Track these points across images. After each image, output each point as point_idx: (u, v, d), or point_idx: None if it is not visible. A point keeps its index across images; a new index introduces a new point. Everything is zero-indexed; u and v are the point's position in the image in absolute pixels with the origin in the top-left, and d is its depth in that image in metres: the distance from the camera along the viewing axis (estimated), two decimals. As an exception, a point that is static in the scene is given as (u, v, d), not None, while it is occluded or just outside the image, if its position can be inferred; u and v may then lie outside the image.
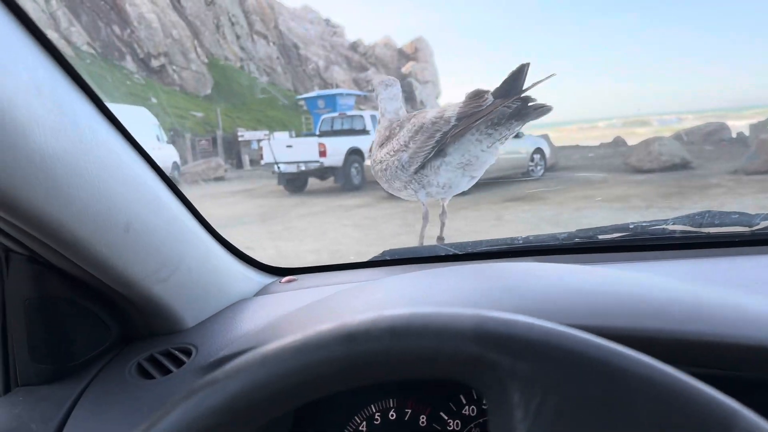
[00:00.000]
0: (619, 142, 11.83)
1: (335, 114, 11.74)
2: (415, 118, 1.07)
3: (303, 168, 9.26)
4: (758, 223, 0.88)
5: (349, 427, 0.69)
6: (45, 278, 0.71)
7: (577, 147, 11.63)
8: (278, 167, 9.51)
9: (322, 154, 9.03)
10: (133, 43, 31.08)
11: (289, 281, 0.99)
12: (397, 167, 1.06)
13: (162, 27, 31.96)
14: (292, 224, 6.16)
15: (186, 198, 0.79)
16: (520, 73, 0.91)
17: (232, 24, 40.33)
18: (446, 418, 0.67)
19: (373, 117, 10.65)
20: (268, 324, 0.75)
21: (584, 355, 0.31)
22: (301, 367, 0.33)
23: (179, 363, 0.75)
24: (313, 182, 11.07)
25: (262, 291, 0.95)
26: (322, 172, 9.56)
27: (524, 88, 0.92)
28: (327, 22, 57.00)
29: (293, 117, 35.61)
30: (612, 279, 0.64)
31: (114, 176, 0.63)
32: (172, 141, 15.37)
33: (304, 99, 22.48)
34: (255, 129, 26.82)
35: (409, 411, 0.68)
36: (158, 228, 0.71)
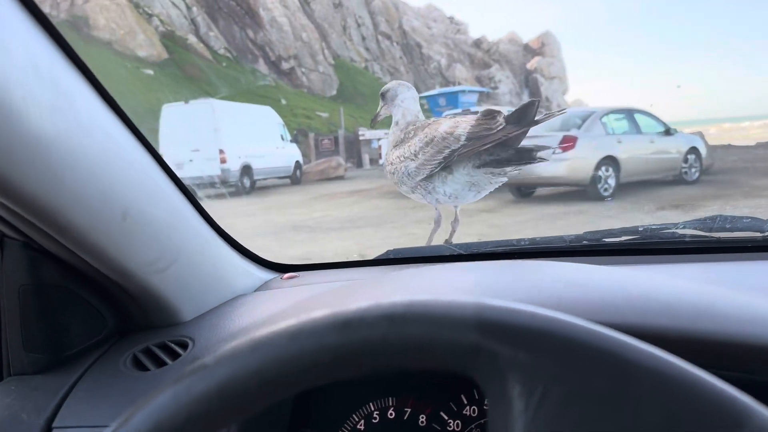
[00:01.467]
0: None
1: (458, 110, 11.01)
2: (429, 128, 1.08)
3: (423, 167, 8.68)
4: None
5: (346, 426, 0.67)
6: (40, 265, 0.69)
7: (729, 147, 10.50)
8: (397, 166, 9.01)
9: (443, 151, 8.37)
10: (266, 47, 32.73)
11: (291, 278, 0.97)
12: (403, 173, 1.09)
13: (292, 30, 33.33)
14: (409, 230, 5.57)
15: (188, 190, 0.77)
16: (531, 106, 0.94)
17: (359, 25, 41.18)
18: (446, 418, 0.66)
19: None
20: (267, 318, 0.74)
21: (590, 346, 0.30)
22: (294, 354, 0.32)
23: (175, 356, 0.73)
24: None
25: (263, 287, 0.94)
26: (443, 171, 8.93)
27: (536, 119, 0.95)
28: (450, 19, 56.59)
29: (414, 116, 35.51)
30: (621, 277, 0.64)
31: (112, 162, 0.61)
32: (297, 140, 15.64)
33: (425, 97, 22.03)
34: (376, 128, 26.96)
35: (409, 410, 0.67)
36: (157, 218, 0.70)
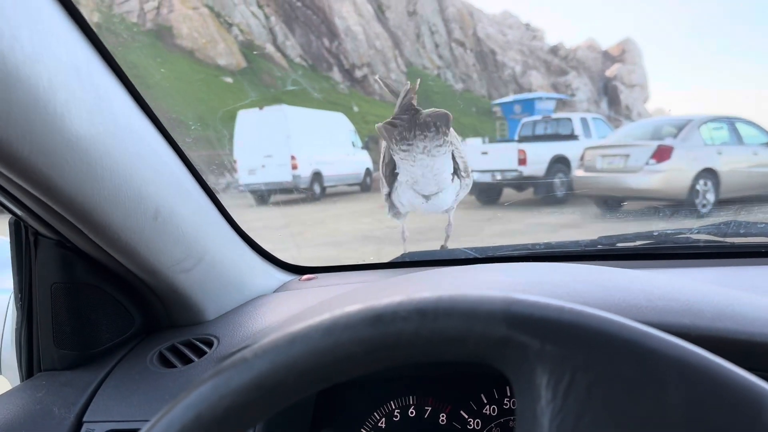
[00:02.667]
0: None
1: (538, 117, 10.45)
2: None
3: (498, 177, 8.15)
4: None
5: (367, 424, 0.68)
6: (72, 263, 0.71)
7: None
8: (471, 175, 8.57)
9: (522, 162, 7.82)
10: (340, 55, 33.21)
11: (309, 279, 0.98)
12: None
13: (366, 38, 33.63)
14: (486, 244, 5.18)
15: (212, 191, 0.78)
16: (405, 94, 0.97)
17: (432, 33, 41.02)
18: (466, 416, 0.66)
19: (583, 120, 9.16)
20: (289, 318, 0.75)
21: (615, 336, 0.31)
22: (329, 346, 0.33)
23: (200, 353, 0.75)
24: (508, 193, 9.98)
25: (282, 288, 0.95)
26: (520, 183, 8.37)
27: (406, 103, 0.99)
28: (527, 26, 55.42)
29: (486, 123, 34.91)
30: (642, 278, 0.64)
31: (146, 163, 0.63)
32: (368, 147, 15.55)
33: (500, 104, 21.42)
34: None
35: (429, 408, 0.67)
36: (185, 218, 0.71)
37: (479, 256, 1.00)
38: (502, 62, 44.89)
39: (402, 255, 1.07)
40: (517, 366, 0.32)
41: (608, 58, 51.88)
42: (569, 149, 8.41)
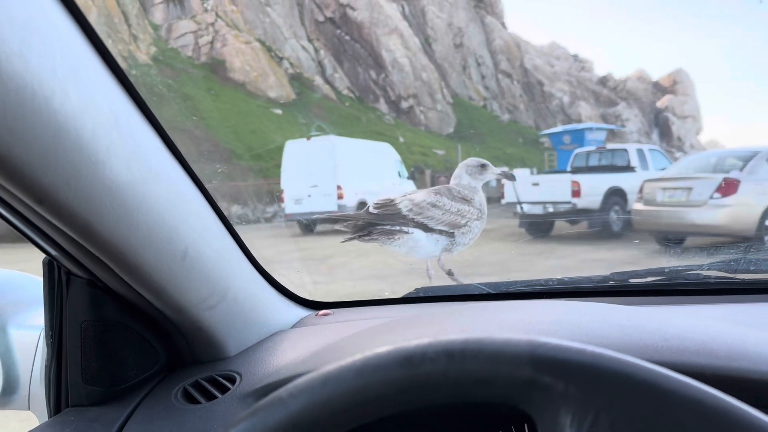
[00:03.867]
0: None
1: (591, 148, 10.15)
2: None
3: (551, 209, 7.86)
4: None
5: None
6: (102, 302, 0.73)
7: None
8: (521, 207, 8.26)
9: (576, 193, 7.52)
10: (387, 87, 33.67)
11: (325, 314, 0.99)
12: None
13: (413, 70, 34.02)
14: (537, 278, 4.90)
15: (233, 228, 0.80)
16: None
17: (478, 64, 41.17)
18: None
19: (639, 152, 8.81)
20: (310, 354, 0.76)
21: (635, 378, 0.32)
22: (361, 387, 0.35)
23: (223, 389, 0.76)
24: (560, 226, 9.64)
25: (299, 323, 0.96)
26: (574, 215, 8.05)
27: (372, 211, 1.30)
28: (575, 57, 54.94)
29: (533, 154, 34.47)
30: (657, 317, 0.65)
31: (176, 205, 0.66)
32: (414, 177, 15.48)
33: (548, 134, 21.08)
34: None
35: None
36: (210, 257, 0.73)
37: (493, 292, 1.01)
38: (550, 93, 44.49)
39: (416, 290, 1.09)
40: (542, 407, 0.33)
41: (659, 88, 50.80)
42: (626, 181, 8.07)
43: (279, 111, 24.92)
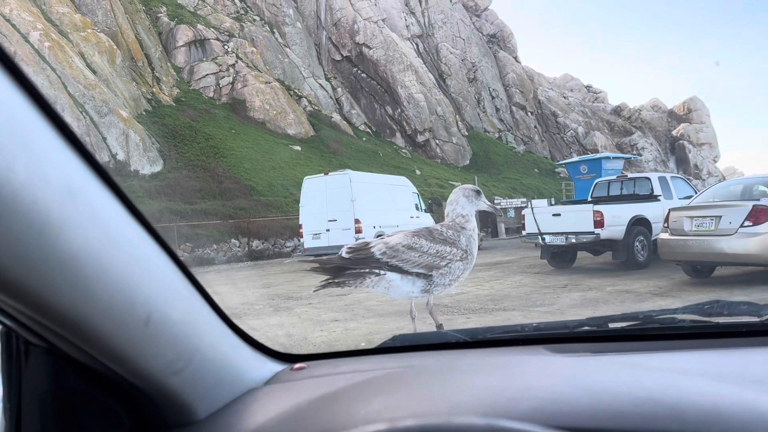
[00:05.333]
0: None
1: (612, 177, 10.03)
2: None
3: (573, 240, 7.74)
4: (767, 313, 0.90)
5: None
6: (63, 371, 0.71)
7: None
8: (543, 239, 8.15)
9: (599, 224, 7.40)
10: (403, 121, 34.05)
11: (300, 369, 0.98)
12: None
13: (428, 105, 34.42)
14: (565, 314, 4.78)
15: (200, 284, 0.80)
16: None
17: (492, 98, 41.53)
18: None
19: (662, 180, 8.71)
20: (279, 416, 0.75)
21: None
22: None
23: None
24: (583, 257, 9.47)
25: (273, 379, 0.95)
26: (597, 246, 7.90)
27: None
28: (588, 88, 55.16)
29: (549, 184, 34.33)
30: (628, 376, 0.65)
31: (137, 270, 0.64)
32: (431, 209, 15.46)
33: (565, 165, 20.99)
34: (510, 197, 26.36)
35: None
36: (175, 320, 0.71)
37: (470, 340, 1.01)
38: (564, 124, 44.54)
39: (393, 338, 1.09)
40: None
41: (674, 117, 50.60)
42: (649, 210, 7.96)
43: (298, 147, 25.27)
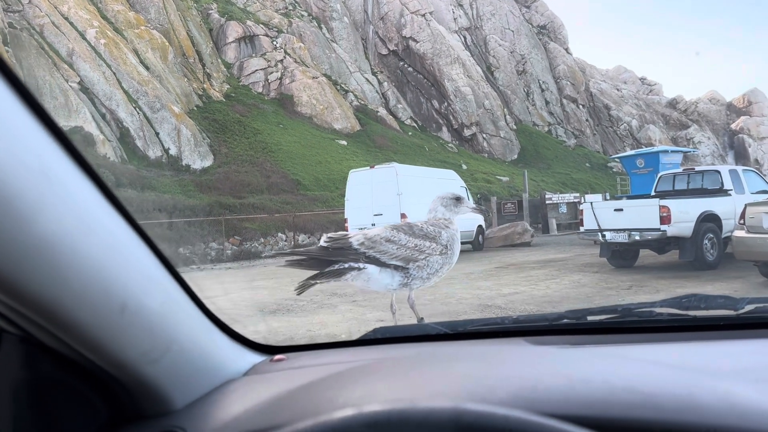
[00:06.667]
0: None
1: (678, 170, 9.43)
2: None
3: (637, 237, 7.26)
4: (743, 307, 0.92)
5: None
6: (37, 359, 0.71)
7: None
8: (603, 236, 7.69)
9: (665, 220, 6.90)
10: (449, 115, 33.60)
11: (279, 360, 0.98)
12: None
13: (475, 98, 33.82)
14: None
15: (180, 276, 0.80)
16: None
17: (542, 90, 40.46)
18: None
19: (733, 173, 8.11)
20: (258, 406, 0.74)
21: None
22: None
23: None
24: (645, 255, 8.96)
25: (252, 370, 0.95)
26: (663, 244, 7.40)
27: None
28: (642, 80, 53.06)
29: (601, 179, 33.17)
30: (605, 366, 0.65)
31: (113, 258, 0.64)
32: (480, 204, 15.09)
33: (620, 159, 20.13)
34: (560, 192, 25.55)
35: None
36: (152, 309, 0.71)
37: (450, 332, 1.03)
38: (617, 117, 43.00)
39: (374, 330, 1.09)
40: None
41: (733, 110, 48.15)
42: (720, 206, 7.42)
43: (344, 142, 25.27)
